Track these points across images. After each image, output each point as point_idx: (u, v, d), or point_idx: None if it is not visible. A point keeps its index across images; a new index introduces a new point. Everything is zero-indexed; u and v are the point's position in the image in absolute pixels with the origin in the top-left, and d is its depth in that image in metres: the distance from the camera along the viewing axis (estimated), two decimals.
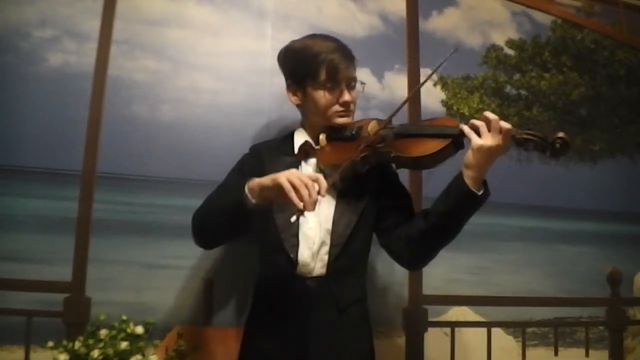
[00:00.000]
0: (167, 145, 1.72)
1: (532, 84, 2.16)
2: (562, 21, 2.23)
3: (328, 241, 1.32)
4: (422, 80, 1.98)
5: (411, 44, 1.99)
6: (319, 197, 1.14)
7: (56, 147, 1.65)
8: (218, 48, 1.81)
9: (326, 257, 1.31)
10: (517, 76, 2.15)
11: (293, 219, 1.14)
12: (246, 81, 1.81)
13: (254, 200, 1.20)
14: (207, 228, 1.37)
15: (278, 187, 1.15)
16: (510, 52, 2.15)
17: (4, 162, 1.62)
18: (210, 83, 1.79)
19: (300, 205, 1.12)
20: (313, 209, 1.13)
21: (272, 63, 1.70)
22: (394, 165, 1.40)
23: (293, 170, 1.19)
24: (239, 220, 1.27)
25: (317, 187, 1.14)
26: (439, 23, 2.05)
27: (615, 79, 2.26)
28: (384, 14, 2.01)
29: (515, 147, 1.23)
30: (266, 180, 1.18)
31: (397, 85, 1.95)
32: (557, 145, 1.19)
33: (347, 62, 1.36)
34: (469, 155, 1.21)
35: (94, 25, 1.72)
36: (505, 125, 1.19)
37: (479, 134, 1.20)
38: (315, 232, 1.33)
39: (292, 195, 1.13)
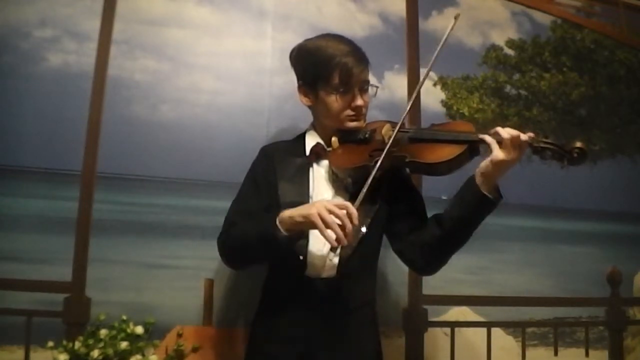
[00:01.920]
0: (167, 145, 1.72)
1: (532, 84, 2.16)
2: (562, 21, 2.23)
3: None
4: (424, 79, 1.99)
5: (411, 44, 1.99)
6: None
7: (56, 147, 1.65)
8: (218, 48, 1.81)
9: (337, 259, 1.30)
10: (517, 76, 2.15)
11: (331, 256, 1.20)
12: (246, 81, 1.81)
13: (285, 233, 1.21)
14: (239, 258, 1.39)
15: (310, 223, 1.17)
16: (510, 52, 2.15)
17: (4, 162, 1.62)
18: (210, 83, 1.79)
19: (335, 244, 1.14)
20: (351, 240, 1.16)
21: (272, 63, 1.71)
22: (408, 170, 1.39)
23: (322, 202, 1.19)
24: (271, 251, 1.29)
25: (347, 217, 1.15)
26: (439, 23, 2.05)
27: (615, 79, 2.26)
28: (384, 14, 2.01)
29: (532, 154, 1.23)
30: (297, 216, 1.19)
31: (397, 85, 1.95)
32: (575, 154, 1.19)
33: (361, 65, 1.34)
34: (486, 166, 1.21)
35: (94, 25, 1.72)
36: (524, 137, 1.19)
37: (499, 145, 1.19)
38: None
39: (327, 234, 1.14)
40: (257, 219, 1.32)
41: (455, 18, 1.33)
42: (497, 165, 1.19)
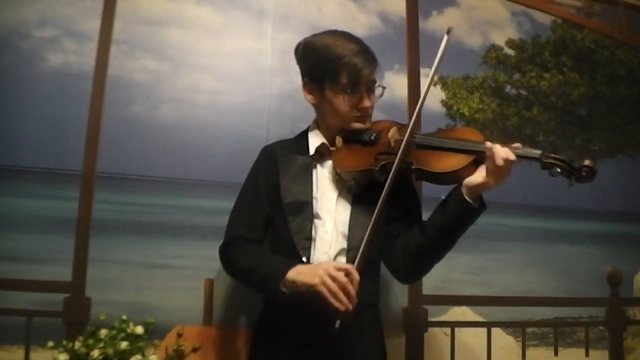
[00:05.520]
0: (167, 145, 1.72)
1: (532, 84, 2.16)
2: (562, 21, 2.23)
3: (345, 245, 1.31)
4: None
5: (411, 44, 1.99)
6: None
7: (56, 147, 1.65)
8: (218, 48, 1.81)
9: (343, 261, 1.29)
10: (517, 76, 2.15)
11: (338, 324, 1.17)
12: (246, 81, 1.81)
13: (287, 292, 1.22)
14: (236, 279, 1.44)
15: (314, 292, 1.17)
16: (510, 52, 2.15)
17: (4, 162, 1.62)
18: (210, 83, 1.79)
19: (342, 308, 1.15)
20: (353, 306, 1.16)
21: (272, 63, 1.70)
22: (413, 176, 1.36)
23: (324, 267, 1.19)
24: (267, 294, 1.33)
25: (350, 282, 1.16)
26: (439, 23, 2.05)
27: (615, 79, 2.26)
28: (384, 14, 2.01)
29: (541, 169, 1.23)
30: (300, 284, 1.19)
31: (397, 85, 1.95)
32: (584, 173, 1.19)
33: (371, 66, 1.32)
34: (476, 183, 1.20)
35: (94, 25, 1.72)
36: (513, 158, 1.18)
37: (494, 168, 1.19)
38: (331, 236, 1.31)
39: (333, 301, 1.15)
40: (260, 263, 1.30)
41: (448, 33, 1.33)
42: (489, 187, 1.20)
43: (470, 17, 2.12)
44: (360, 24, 1.97)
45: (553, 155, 1.20)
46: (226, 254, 1.38)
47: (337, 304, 1.15)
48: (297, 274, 1.20)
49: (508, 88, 2.13)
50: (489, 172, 1.19)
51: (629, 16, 2.30)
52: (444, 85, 2.03)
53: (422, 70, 1.98)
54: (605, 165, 2.17)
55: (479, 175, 1.20)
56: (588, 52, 2.24)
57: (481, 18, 2.13)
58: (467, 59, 2.08)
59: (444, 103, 2.03)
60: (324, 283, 1.16)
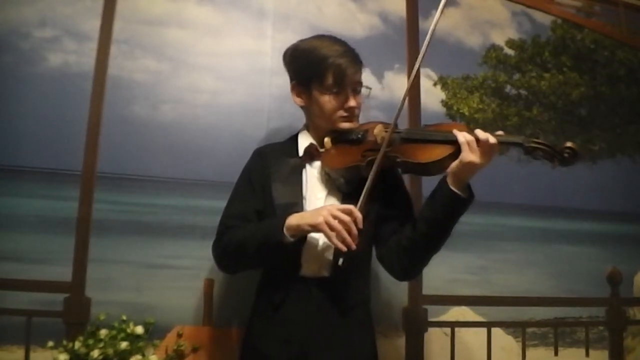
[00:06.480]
0: (167, 145, 1.72)
1: (532, 84, 2.16)
2: (562, 21, 2.23)
3: None
4: (422, 77, 1.99)
5: (411, 44, 1.99)
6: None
7: (56, 147, 1.65)
8: (218, 48, 1.81)
9: (331, 259, 1.30)
10: (517, 76, 2.15)
11: (341, 262, 1.21)
12: (246, 81, 1.81)
13: (291, 239, 1.24)
14: (235, 263, 1.40)
15: (318, 232, 1.21)
16: (510, 52, 2.15)
17: (4, 162, 1.62)
18: (210, 83, 1.79)
19: (345, 248, 1.18)
20: (355, 245, 1.19)
21: (272, 63, 1.70)
22: (399, 170, 1.39)
23: (328, 209, 1.21)
24: (273, 256, 1.30)
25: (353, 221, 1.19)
26: (439, 23, 2.05)
27: (615, 79, 2.26)
28: (384, 14, 2.01)
29: (523, 154, 1.24)
30: (305, 225, 1.22)
31: (397, 85, 1.95)
32: (566, 154, 1.20)
33: (355, 66, 1.36)
34: (456, 166, 1.22)
35: (94, 25, 1.72)
36: (492, 140, 1.21)
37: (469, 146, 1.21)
38: (319, 234, 1.31)
39: (335, 241, 1.19)
40: (258, 225, 1.32)
41: None
42: (466, 166, 1.21)
43: (470, 17, 2.12)
44: (360, 24, 1.97)
45: (535, 140, 1.22)
46: (221, 242, 1.37)
47: (340, 244, 1.18)
48: (299, 218, 1.24)
49: (508, 88, 2.13)
50: (469, 154, 1.20)
51: (629, 16, 2.30)
52: (444, 85, 2.03)
53: (422, 70, 1.98)
54: (605, 165, 2.18)
55: (460, 160, 1.22)
56: (588, 52, 2.24)
57: (481, 18, 2.14)
58: (467, 59, 2.08)
59: (444, 103, 2.03)
60: (327, 222, 1.19)
